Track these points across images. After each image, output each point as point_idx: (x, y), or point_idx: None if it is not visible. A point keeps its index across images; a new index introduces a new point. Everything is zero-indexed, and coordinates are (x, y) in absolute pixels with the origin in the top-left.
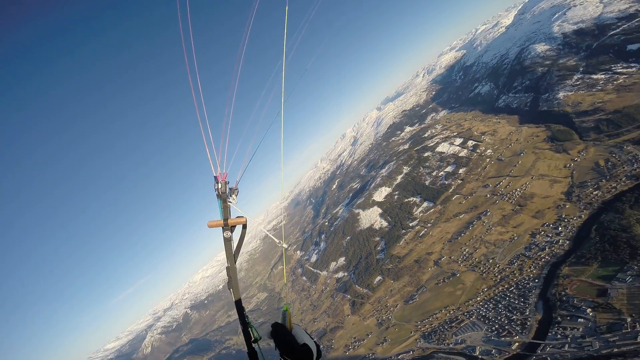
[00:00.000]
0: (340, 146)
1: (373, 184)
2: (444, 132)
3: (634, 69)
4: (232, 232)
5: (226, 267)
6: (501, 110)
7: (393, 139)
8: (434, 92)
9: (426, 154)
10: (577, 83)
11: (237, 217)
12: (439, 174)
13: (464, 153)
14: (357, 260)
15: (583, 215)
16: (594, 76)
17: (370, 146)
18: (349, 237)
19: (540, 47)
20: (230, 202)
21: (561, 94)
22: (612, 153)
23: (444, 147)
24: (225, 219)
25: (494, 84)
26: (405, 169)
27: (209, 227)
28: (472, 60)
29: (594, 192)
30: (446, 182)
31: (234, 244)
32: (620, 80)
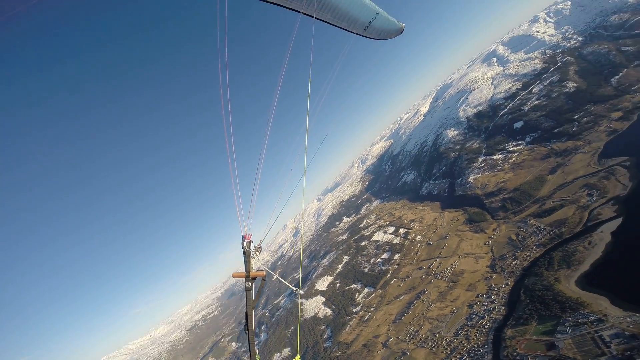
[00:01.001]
0: (281, 237)
1: (315, 274)
2: (378, 221)
3: (521, 146)
4: (252, 282)
5: (245, 313)
6: (425, 198)
7: (332, 229)
8: (367, 182)
9: (363, 243)
10: (482, 165)
11: (258, 270)
12: (377, 261)
13: (397, 240)
14: (304, 349)
15: (509, 283)
16: (494, 157)
17: (311, 237)
18: (292, 327)
19: (451, 133)
20: (253, 258)
21: (471, 177)
22: (520, 227)
23: (378, 236)
24: (248, 272)
25: (417, 172)
26: (345, 258)
27: (233, 277)
28: (398, 149)
29: (513, 262)
30: (384, 268)
31: (254, 293)
32: (513, 159)
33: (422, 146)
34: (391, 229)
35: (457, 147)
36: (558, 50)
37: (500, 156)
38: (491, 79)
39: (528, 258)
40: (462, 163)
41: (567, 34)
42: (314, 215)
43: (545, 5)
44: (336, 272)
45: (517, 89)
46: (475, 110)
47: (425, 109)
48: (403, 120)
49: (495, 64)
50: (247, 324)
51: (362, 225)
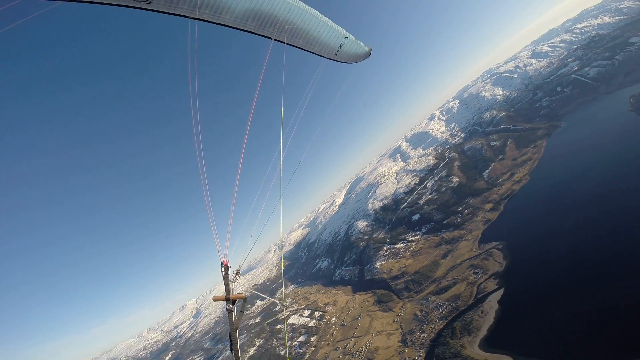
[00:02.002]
0: (178, 317)
1: (221, 357)
2: (294, 305)
3: (418, 236)
4: (233, 305)
5: (229, 333)
6: (338, 283)
7: (244, 312)
8: (283, 268)
9: (278, 327)
10: (387, 253)
11: (238, 293)
12: (294, 344)
13: (313, 323)
14: None
15: (421, 354)
16: (396, 246)
17: (217, 319)
18: None
19: (361, 224)
20: (231, 281)
21: (378, 264)
22: (423, 304)
23: (294, 319)
24: (228, 295)
25: (331, 259)
26: (258, 342)
27: (213, 300)
28: (315, 238)
29: (422, 335)
30: (301, 351)
31: (235, 315)
32: (413, 247)
33: (335, 235)
34: (307, 312)
35: (366, 237)
36: (446, 147)
37: (401, 245)
38: (395, 174)
39: (434, 330)
40: (370, 251)
41: (453, 131)
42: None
43: (440, 104)
44: (247, 355)
45: (415, 183)
46: (381, 204)
47: (340, 200)
48: (320, 209)
49: (399, 160)
50: (232, 344)
51: (276, 308)
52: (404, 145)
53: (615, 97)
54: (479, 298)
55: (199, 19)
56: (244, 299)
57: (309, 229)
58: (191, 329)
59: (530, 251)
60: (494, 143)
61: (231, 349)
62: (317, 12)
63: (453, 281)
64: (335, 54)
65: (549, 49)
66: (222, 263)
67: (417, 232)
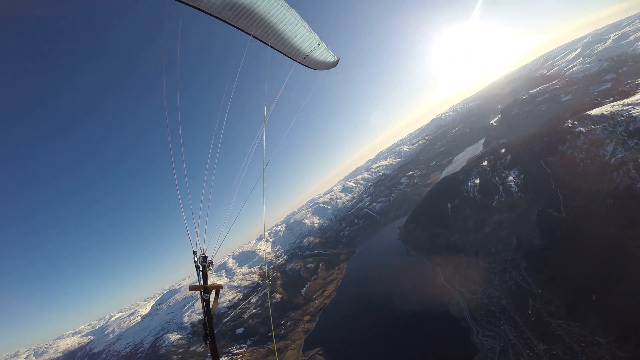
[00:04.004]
0: None
1: None
2: None
3: (244, 349)
4: (209, 294)
5: (203, 324)
6: None
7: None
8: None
9: None
10: None
11: (215, 283)
12: None
13: None
14: None
15: None
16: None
17: None
18: None
19: (174, 337)
20: (208, 270)
21: None
22: None
23: None
24: (205, 285)
25: None
26: None
27: (189, 290)
28: (102, 347)
29: None
30: None
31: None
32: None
33: (136, 347)
34: None
35: (181, 350)
36: (271, 266)
37: (226, 358)
38: None
39: None
40: None
41: (278, 253)
42: None
43: (269, 227)
44: None
45: (239, 299)
46: (200, 317)
47: (145, 310)
48: (113, 318)
49: (224, 275)
50: (206, 333)
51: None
52: (231, 262)
53: (390, 227)
54: None
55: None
56: (221, 287)
57: (92, 337)
58: None
59: (345, 350)
60: (310, 265)
61: (205, 342)
62: (296, 13)
63: None
64: (305, 59)
65: (354, 185)
66: (195, 252)
67: (242, 345)
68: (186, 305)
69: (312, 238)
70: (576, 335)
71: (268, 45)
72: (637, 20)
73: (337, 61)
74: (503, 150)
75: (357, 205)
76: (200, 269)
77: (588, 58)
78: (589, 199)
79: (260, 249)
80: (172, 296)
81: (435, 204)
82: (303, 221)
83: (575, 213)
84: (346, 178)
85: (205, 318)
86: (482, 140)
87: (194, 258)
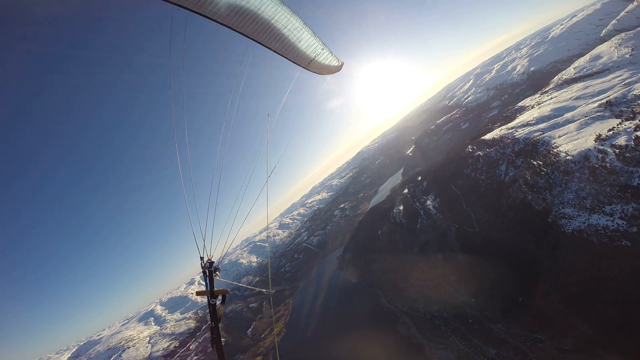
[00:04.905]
0: None
1: None
2: None
3: None
4: (216, 299)
5: (210, 328)
6: None
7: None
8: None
9: None
10: None
11: (222, 289)
12: None
13: None
14: None
15: None
16: None
17: None
18: None
19: None
20: (215, 276)
21: None
22: None
23: None
24: (212, 290)
25: None
26: None
27: (196, 295)
28: None
29: None
30: None
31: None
32: None
33: None
34: None
35: None
36: (207, 311)
37: None
38: (148, 337)
39: None
40: None
41: None
42: None
43: (199, 270)
44: None
45: (175, 346)
46: None
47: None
48: None
49: (153, 324)
50: (213, 338)
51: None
52: (159, 309)
53: (329, 258)
54: None
55: (180, 6)
56: (227, 292)
57: None
58: None
59: None
60: (253, 305)
61: (213, 345)
62: (300, 19)
63: None
64: (309, 64)
65: (290, 221)
66: (201, 258)
67: None
68: (111, 356)
69: (251, 277)
70: (518, 336)
71: (272, 50)
72: (513, 52)
73: (342, 65)
74: (419, 178)
75: (296, 241)
76: (207, 274)
77: (479, 88)
78: (494, 214)
79: (192, 294)
80: (91, 347)
81: (368, 232)
82: (239, 261)
83: (485, 227)
84: (282, 215)
85: (212, 322)
86: (401, 170)
87: (201, 264)
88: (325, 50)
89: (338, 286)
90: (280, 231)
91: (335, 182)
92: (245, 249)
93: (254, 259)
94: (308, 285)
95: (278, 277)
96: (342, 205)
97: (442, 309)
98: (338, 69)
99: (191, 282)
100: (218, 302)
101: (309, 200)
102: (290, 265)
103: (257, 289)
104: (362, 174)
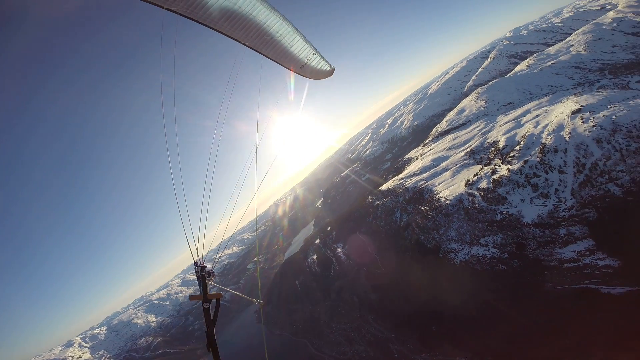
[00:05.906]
0: None
1: None
2: None
3: None
4: (210, 303)
5: (205, 332)
6: None
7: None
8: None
9: None
10: None
11: (215, 292)
12: None
13: None
14: None
15: None
16: None
17: None
18: None
19: None
20: (208, 281)
21: None
22: None
23: None
24: (205, 294)
25: None
26: None
27: (190, 299)
28: None
29: None
30: None
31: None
32: None
33: None
34: None
35: None
36: None
37: None
38: None
39: None
40: None
41: (103, 358)
42: None
43: (82, 330)
44: None
45: None
46: None
47: None
48: None
49: None
50: (209, 343)
51: None
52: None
53: (246, 313)
54: None
55: (171, 10)
56: (221, 297)
57: None
58: None
59: None
60: None
61: (209, 349)
62: (291, 24)
63: None
64: (301, 68)
65: (195, 277)
66: (195, 263)
67: None
68: None
69: (151, 338)
70: None
71: (264, 55)
72: (402, 107)
73: (333, 70)
74: (329, 228)
75: None
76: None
77: (375, 142)
78: (396, 255)
79: (73, 356)
80: None
81: (285, 283)
82: (133, 321)
83: (391, 268)
84: (185, 271)
85: (207, 327)
86: (313, 221)
87: (195, 269)
88: (317, 55)
89: (262, 341)
90: (184, 288)
91: (247, 236)
92: (140, 308)
93: (152, 318)
94: (227, 342)
95: (185, 337)
96: (255, 259)
97: (368, 348)
98: (330, 73)
99: (69, 344)
100: (211, 307)
101: (217, 255)
102: (199, 322)
103: (248, 298)
104: (275, 227)
